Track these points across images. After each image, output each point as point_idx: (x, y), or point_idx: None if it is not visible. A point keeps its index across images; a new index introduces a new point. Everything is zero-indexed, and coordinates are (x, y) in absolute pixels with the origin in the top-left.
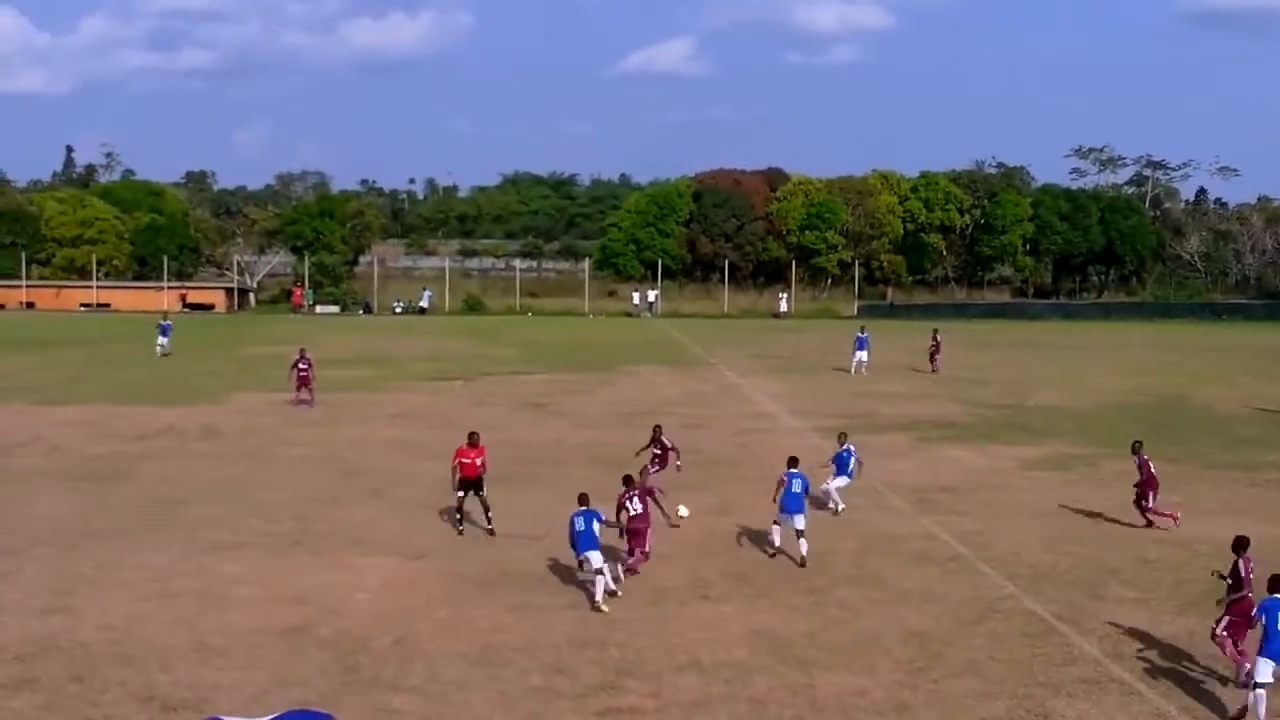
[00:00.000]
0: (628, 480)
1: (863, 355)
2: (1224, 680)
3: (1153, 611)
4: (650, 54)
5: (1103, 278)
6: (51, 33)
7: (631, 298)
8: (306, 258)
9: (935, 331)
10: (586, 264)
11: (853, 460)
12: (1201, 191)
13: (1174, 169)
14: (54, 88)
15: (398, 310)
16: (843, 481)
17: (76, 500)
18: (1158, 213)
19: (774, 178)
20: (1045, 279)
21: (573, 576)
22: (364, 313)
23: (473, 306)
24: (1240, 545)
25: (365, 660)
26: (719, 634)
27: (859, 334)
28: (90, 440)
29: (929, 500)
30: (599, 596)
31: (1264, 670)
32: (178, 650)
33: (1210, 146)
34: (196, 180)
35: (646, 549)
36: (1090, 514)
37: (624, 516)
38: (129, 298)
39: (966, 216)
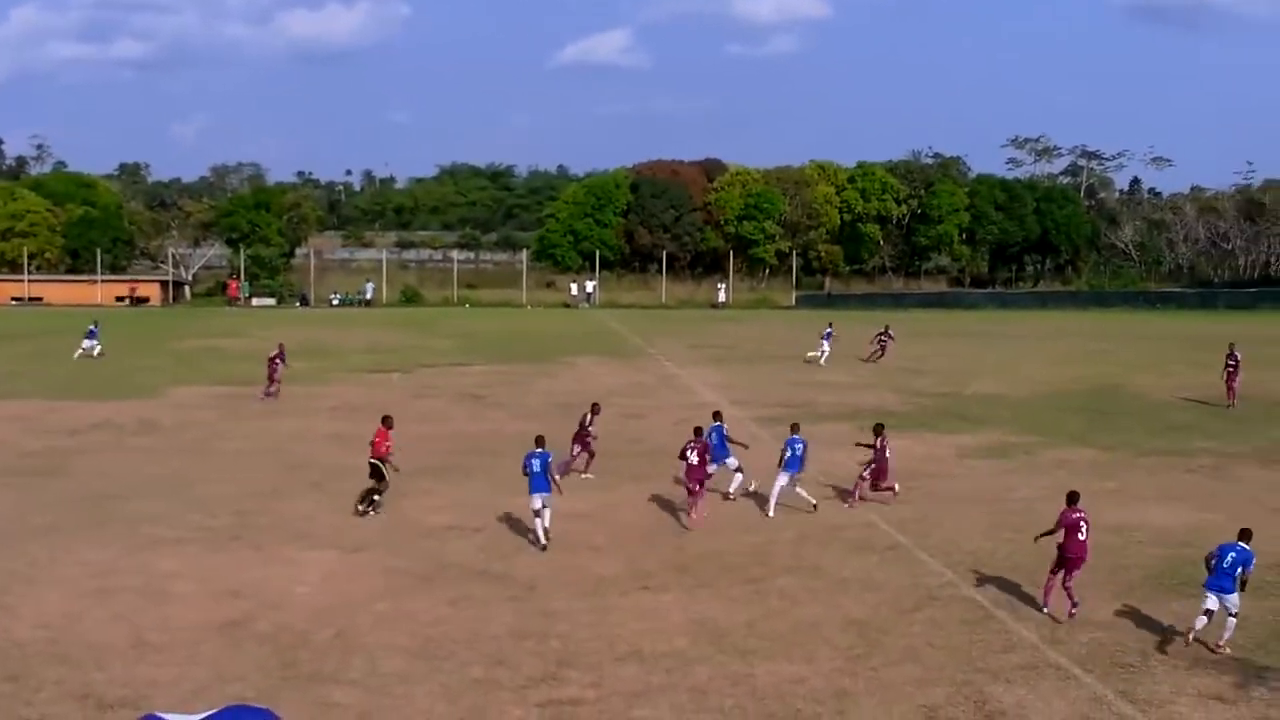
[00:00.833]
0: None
1: (826, 347)
2: (1160, 663)
3: (1090, 597)
4: (589, 45)
5: (1038, 267)
6: None
7: (569, 289)
8: (242, 250)
9: (887, 327)
10: (524, 255)
11: (797, 449)
12: (1136, 181)
13: (1109, 159)
14: None
15: (335, 303)
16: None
17: (11, 497)
18: (1093, 202)
19: (712, 168)
20: (981, 268)
21: (513, 567)
22: (300, 305)
23: (410, 298)
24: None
25: (305, 654)
26: (659, 624)
27: (827, 328)
28: (25, 435)
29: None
30: (542, 539)
31: (1210, 600)
32: (115, 647)
33: (1144, 137)
34: (130, 172)
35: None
36: (1027, 501)
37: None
38: (62, 291)
39: (903, 206)
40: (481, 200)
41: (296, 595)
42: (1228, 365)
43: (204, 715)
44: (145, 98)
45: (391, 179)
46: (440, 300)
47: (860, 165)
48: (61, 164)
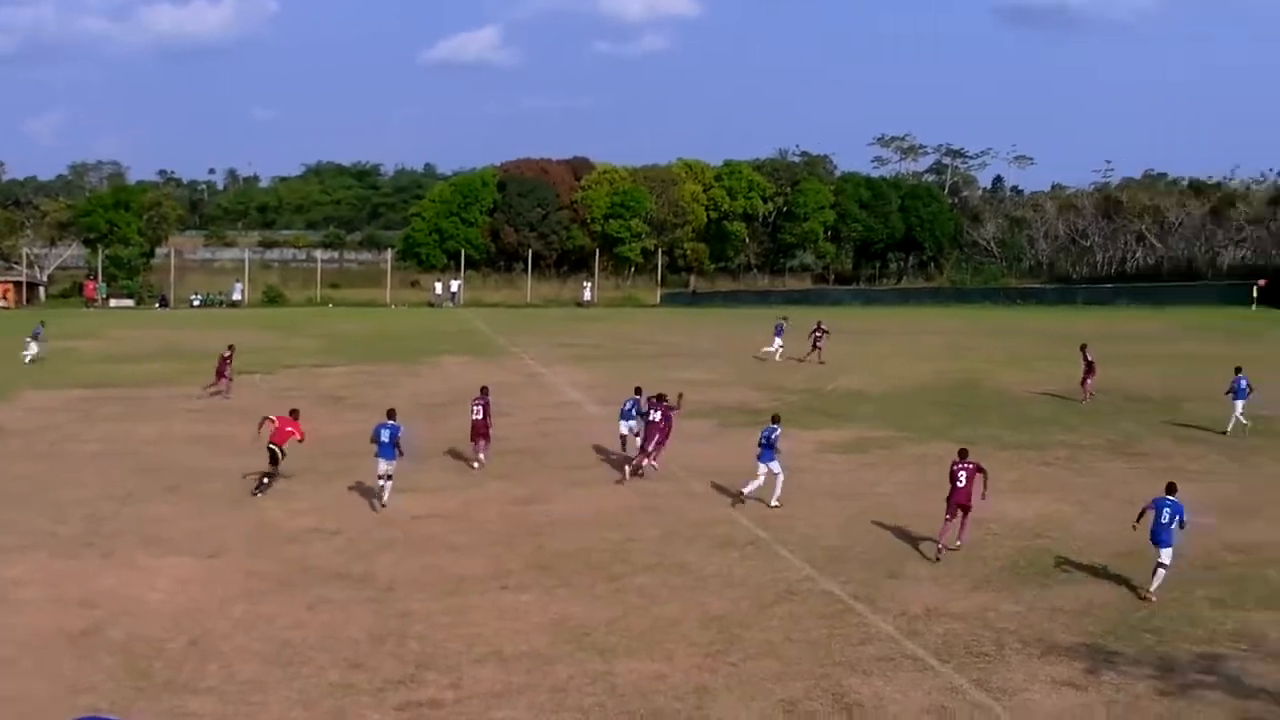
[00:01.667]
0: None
1: (780, 342)
2: (1014, 652)
3: (946, 589)
4: (459, 43)
5: (902, 264)
6: None
7: (434, 288)
8: (100, 250)
9: (819, 323)
10: (389, 254)
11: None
12: (998, 179)
13: (972, 157)
14: None
15: (196, 303)
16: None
17: None
18: (956, 200)
19: (579, 167)
20: (846, 266)
21: (372, 569)
22: (160, 306)
23: (273, 298)
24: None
25: (159, 663)
26: (519, 624)
27: (780, 321)
28: None
29: (731, 486)
30: (385, 499)
31: (1165, 554)
32: None
33: (1007, 136)
34: None
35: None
36: (886, 496)
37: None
38: None
39: (769, 204)
40: (347, 199)
41: (150, 602)
42: (1085, 364)
43: None
44: (0, 93)
45: (255, 178)
46: (304, 300)
47: (727, 164)
48: None
